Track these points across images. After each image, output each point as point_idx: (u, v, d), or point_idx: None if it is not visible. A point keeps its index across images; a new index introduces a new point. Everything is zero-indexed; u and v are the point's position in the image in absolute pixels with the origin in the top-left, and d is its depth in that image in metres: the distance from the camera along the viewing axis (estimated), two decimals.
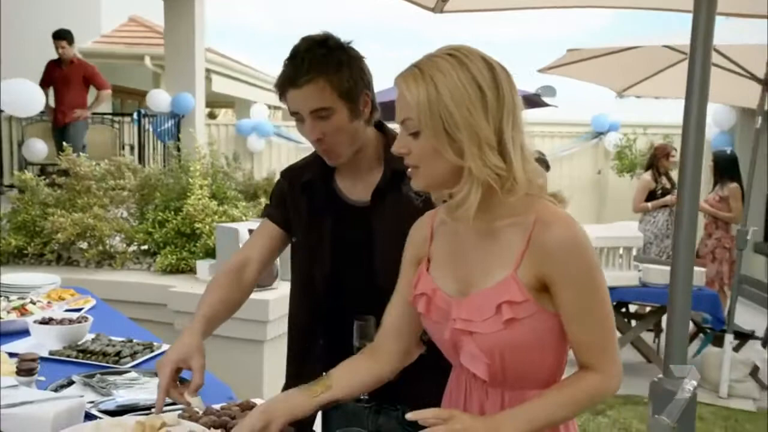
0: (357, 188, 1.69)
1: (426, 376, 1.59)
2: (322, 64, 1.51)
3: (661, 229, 6.06)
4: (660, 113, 10.35)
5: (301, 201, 1.72)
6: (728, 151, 6.20)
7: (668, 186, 6.03)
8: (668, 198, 5.96)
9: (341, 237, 1.68)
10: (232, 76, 10.29)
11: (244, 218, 3.90)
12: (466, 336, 1.23)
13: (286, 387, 1.80)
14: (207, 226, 3.79)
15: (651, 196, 6.09)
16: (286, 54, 1.57)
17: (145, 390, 1.82)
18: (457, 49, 1.18)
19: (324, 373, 1.42)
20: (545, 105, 7.49)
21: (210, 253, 3.80)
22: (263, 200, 4.53)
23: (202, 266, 3.70)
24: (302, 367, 1.76)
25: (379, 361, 1.43)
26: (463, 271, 1.27)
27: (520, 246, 1.20)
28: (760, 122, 4.39)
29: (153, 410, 1.51)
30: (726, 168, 5.90)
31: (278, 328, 3.52)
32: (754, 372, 4.77)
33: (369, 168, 1.68)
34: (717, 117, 8.73)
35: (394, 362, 1.43)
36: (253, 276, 1.77)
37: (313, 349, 1.74)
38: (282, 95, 1.57)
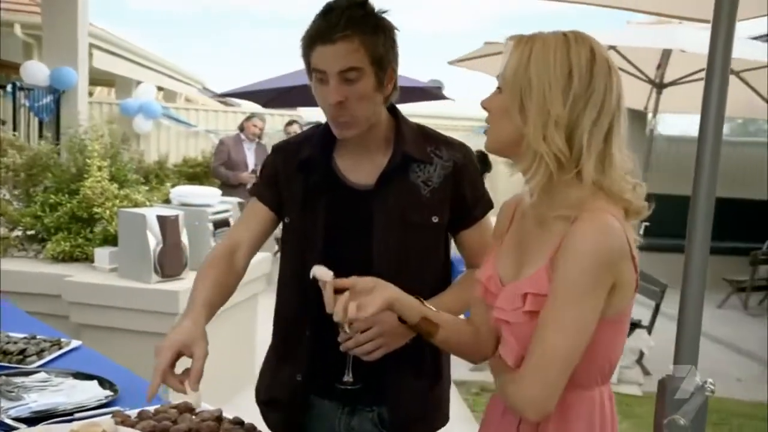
0: (359, 170, 1.59)
1: (407, 376, 1.59)
2: (360, 24, 1.45)
3: None
4: None
5: (296, 179, 1.61)
6: None
7: None
8: None
9: (337, 220, 1.58)
10: (114, 53, 9.65)
11: (148, 203, 3.64)
12: (503, 324, 1.23)
13: (269, 377, 1.71)
14: (107, 211, 3.50)
15: None
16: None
17: (61, 393, 1.64)
18: (575, 32, 1.20)
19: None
20: (444, 98, 7.57)
21: (110, 240, 3.52)
22: (157, 185, 4.27)
23: (101, 254, 3.42)
24: (287, 357, 1.66)
25: (480, 337, 1.37)
26: (517, 258, 1.28)
27: (557, 240, 1.17)
28: (654, 123, 4.64)
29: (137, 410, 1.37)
30: None
31: None
32: (640, 358, 5.07)
33: (376, 150, 1.59)
34: None
35: (491, 344, 1.34)
36: (245, 260, 1.64)
37: (300, 338, 1.63)
38: (308, 51, 1.47)
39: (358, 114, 1.48)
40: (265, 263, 4.22)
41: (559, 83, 1.14)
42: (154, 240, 3.18)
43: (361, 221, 1.55)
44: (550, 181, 1.17)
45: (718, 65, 1.17)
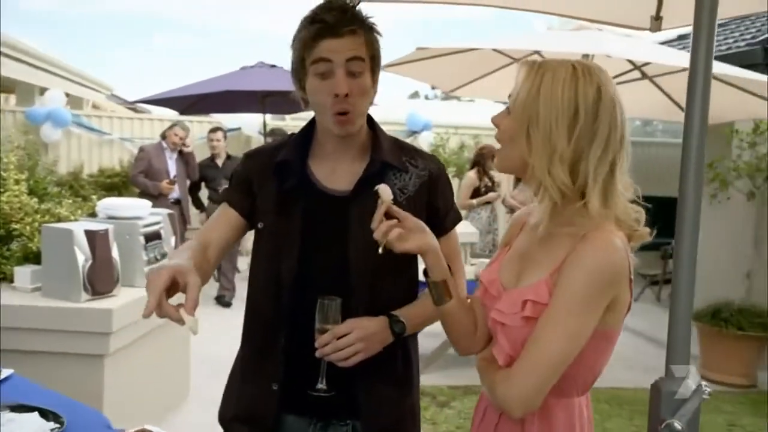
0: (335, 176, 1.58)
1: (381, 384, 1.57)
2: (362, 21, 1.50)
3: (485, 225, 6.43)
4: (470, 114, 11.00)
5: (271, 183, 1.58)
6: None
7: (490, 184, 6.43)
8: (491, 195, 6.36)
9: (313, 226, 1.55)
10: (15, 57, 9.10)
11: (72, 218, 3.44)
12: (499, 326, 1.29)
13: (238, 390, 1.64)
14: (27, 227, 3.29)
15: (475, 193, 6.43)
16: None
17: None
18: (583, 64, 1.22)
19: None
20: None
21: (31, 258, 3.30)
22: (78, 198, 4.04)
23: (22, 273, 3.21)
24: (260, 367, 1.59)
25: (475, 330, 1.44)
26: (519, 267, 1.33)
27: (563, 254, 1.23)
28: None
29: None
30: None
31: (122, 339, 3.15)
32: None
33: (352, 156, 1.58)
34: None
35: (482, 342, 1.43)
36: (214, 260, 1.59)
37: (275, 346, 1.57)
38: (311, 46, 1.46)
39: (358, 109, 1.50)
40: None
41: (565, 120, 1.18)
42: (82, 256, 3.01)
43: (337, 227, 1.54)
44: (555, 207, 1.23)
45: (701, 66, 1.19)
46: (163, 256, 3.57)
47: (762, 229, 5.59)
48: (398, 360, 1.59)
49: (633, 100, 5.19)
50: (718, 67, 4.24)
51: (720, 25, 7.44)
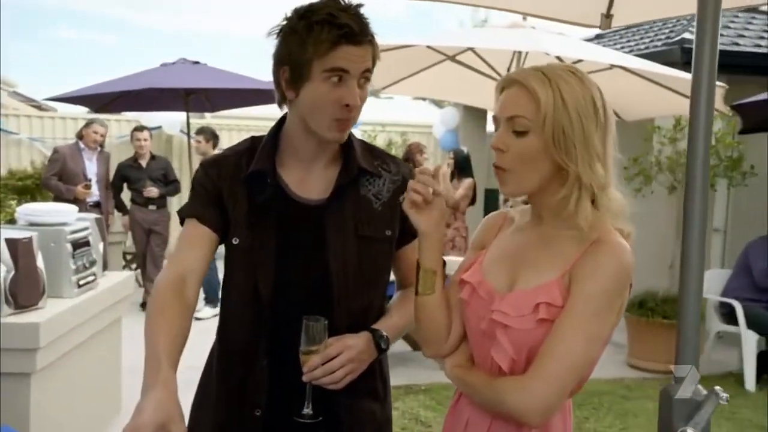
0: (307, 184, 1.50)
1: (361, 398, 1.51)
2: (371, 29, 1.42)
3: None
4: (394, 112, 11.01)
5: (242, 194, 1.47)
6: (465, 151, 6.82)
7: None
8: None
9: (289, 238, 1.46)
10: None
11: None
12: (500, 328, 1.26)
13: (213, 416, 1.52)
14: None
15: None
16: None
17: None
18: (573, 69, 1.27)
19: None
20: None
21: None
22: None
23: None
24: (240, 395, 1.48)
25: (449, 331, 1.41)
26: (514, 268, 1.31)
27: (573, 256, 1.24)
28: None
29: None
30: (463, 166, 6.52)
31: (50, 355, 2.94)
32: None
33: (326, 163, 1.51)
34: (444, 117, 9.57)
35: (452, 344, 1.40)
36: (195, 291, 1.45)
37: (255, 371, 1.47)
38: (329, 50, 1.36)
39: (356, 118, 1.45)
40: (128, 283, 3.87)
41: (593, 119, 1.23)
42: (3, 267, 2.78)
43: (314, 237, 1.46)
44: (554, 209, 1.27)
45: (707, 57, 1.17)
46: (92, 264, 3.36)
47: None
48: (376, 375, 1.54)
49: None
50: (642, 64, 4.38)
51: (635, 26, 7.74)
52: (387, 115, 10.39)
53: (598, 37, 8.29)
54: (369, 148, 1.58)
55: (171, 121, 8.80)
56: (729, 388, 4.80)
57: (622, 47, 7.00)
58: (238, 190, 1.49)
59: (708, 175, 1.15)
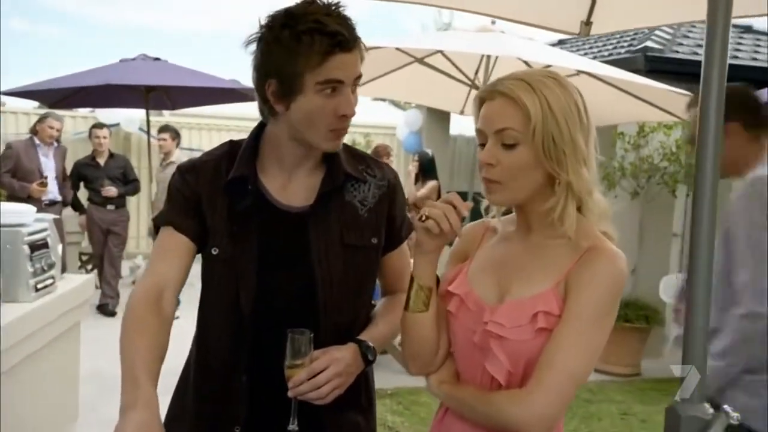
0: (289, 191, 1.43)
1: (346, 411, 1.46)
2: (356, 29, 1.34)
3: None
4: (359, 113, 10.91)
5: (221, 202, 1.40)
6: (429, 153, 6.84)
7: None
8: None
9: (272, 247, 1.40)
10: None
11: None
12: (495, 340, 1.23)
13: None
14: None
15: None
16: None
17: None
18: (552, 74, 1.25)
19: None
20: (251, 99, 7.31)
21: None
22: None
23: None
24: (221, 409, 1.41)
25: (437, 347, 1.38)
26: (503, 278, 1.28)
27: (567, 265, 1.22)
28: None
29: None
30: (428, 168, 6.54)
31: (4, 363, 2.80)
32: None
33: (310, 169, 1.44)
34: (408, 119, 9.55)
35: (442, 357, 1.36)
36: (173, 303, 1.38)
37: (235, 387, 1.40)
38: (321, 60, 1.28)
39: (349, 126, 1.38)
40: (87, 287, 3.73)
41: (577, 123, 1.21)
42: None
43: (297, 246, 1.40)
44: (543, 216, 1.24)
45: (716, 61, 1.15)
46: (51, 266, 3.22)
47: (645, 227, 5.92)
48: (361, 387, 1.49)
49: None
50: (608, 71, 4.43)
51: (593, 35, 7.82)
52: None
53: (560, 42, 8.38)
54: (353, 152, 1.53)
55: (129, 118, 8.59)
56: None
57: (585, 53, 7.08)
58: (217, 197, 1.42)
59: (717, 184, 1.15)
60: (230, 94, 7.00)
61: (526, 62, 4.74)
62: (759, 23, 7.76)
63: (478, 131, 1.26)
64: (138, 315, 1.32)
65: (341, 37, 1.29)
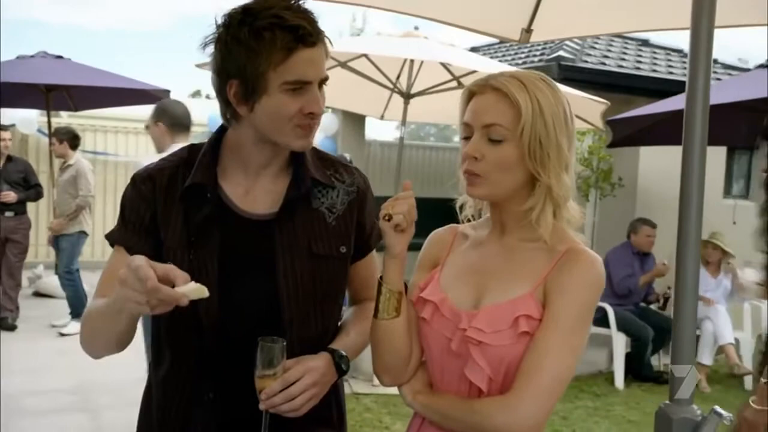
0: (251, 197, 1.35)
1: (318, 427, 1.42)
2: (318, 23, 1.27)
3: None
4: None
5: (178, 211, 1.31)
6: (348, 158, 6.78)
7: None
8: None
9: (233, 258, 1.31)
10: None
11: None
12: (475, 346, 1.21)
13: None
14: None
15: None
16: None
17: None
18: (543, 77, 1.24)
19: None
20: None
21: None
22: None
23: None
24: (187, 426, 1.33)
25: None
26: (478, 283, 1.27)
27: (545, 268, 1.21)
28: (402, 131, 4.85)
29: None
30: None
31: None
32: None
33: (275, 174, 1.36)
34: (324, 123, 9.47)
35: (414, 365, 1.34)
36: (132, 329, 1.27)
37: (201, 404, 1.32)
38: (284, 58, 1.20)
39: (318, 124, 1.32)
40: None
41: (564, 128, 1.21)
42: None
43: (261, 256, 1.33)
44: (528, 214, 1.23)
45: (702, 69, 1.18)
46: None
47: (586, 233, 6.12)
48: (331, 400, 1.43)
49: (450, 106, 5.40)
50: None
51: (504, 42, 8.06)
52: None
53: (473, 50, 8.58)
54: (320, 156, 1.46)
55: (26, 119, 8.07)
56: (601, 387, 5.06)
57: (499, 61, 7.27)
58: (173, 207, 1.33)
59: (703, 186, 1.17)
60: (140, 95, 6.72)
61: (447, 68, 4.82)
62: (656, 37, 8.22)
63: (465, 124, 1.24)
64: (88, 313, 1.30)
65: (303, 31, 1.22)
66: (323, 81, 1.29)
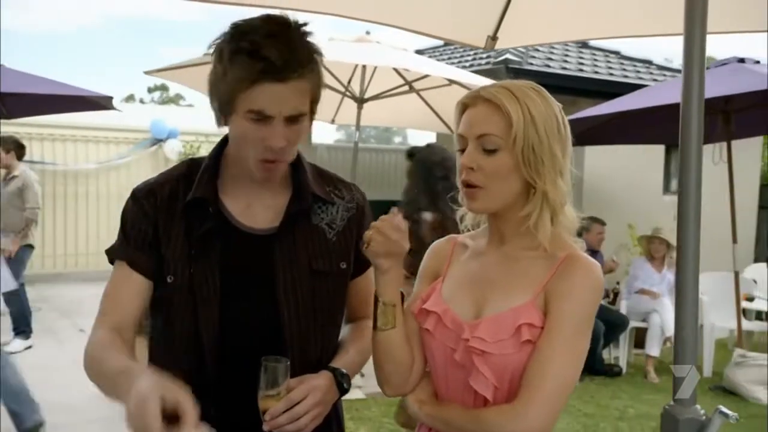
0: (252, 212, 1.34)
1: None
2: (312, 60, 1.22)
3: None
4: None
5: (179, 226, 1.29)
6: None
7: None
8: None
9: (234, 273, 1.30)
10: None
11: None
12: (478, 356, 1.21)
13: None
14: None
15: None
16: None
17: None
18: (535, 86, 1.26)
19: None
20: (111, 108, 6.82)
21: None
22: None
23: None
24: None
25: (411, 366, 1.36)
26: (479, 294, 1.28)
27: (544, 276, 1.23)
28: (357, 135, 4.84)
29: None
30: None
31: None
32: None
33: (273, 190, 1.35)
34: None
35: (417, 376, 1.35)
36: (130, 348, 1.26)
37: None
38: (247, 86, 1.17)
39: (288, 157, 1.28)
40: None
41: (557, 136, 1.23)
42: None
43: (262, 272, 1.32)
44: (525, 221, 1.24)
45: (696, 70, 1.20)
46: None
47: None
48: (333, 421, 1.42)
49: (403, 111, 5.43)
50: (478, 81, 4.61)
51: (450, 45, 8.15)
52: (209, 125, 9.93)
53: (418, 52, 8.63)
54: (320, 172, 1.45)
55: None
56: None
57: (445, 63, 7.34)
58: (174, 221, 1.31)
59: (700, 184, 1.20)
60: (79, 102, 6.48)
61: (400, 75, 4.84)
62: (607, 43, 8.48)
63: (459, 136, 1.27)
64: (99, 348, 1.24)
65: (273, 64, 1.17)
66: (296, 117, 1.24)
